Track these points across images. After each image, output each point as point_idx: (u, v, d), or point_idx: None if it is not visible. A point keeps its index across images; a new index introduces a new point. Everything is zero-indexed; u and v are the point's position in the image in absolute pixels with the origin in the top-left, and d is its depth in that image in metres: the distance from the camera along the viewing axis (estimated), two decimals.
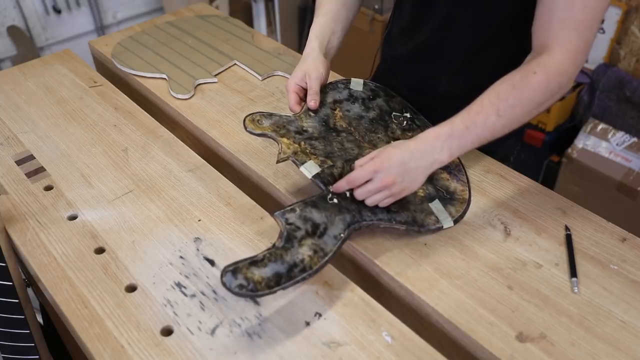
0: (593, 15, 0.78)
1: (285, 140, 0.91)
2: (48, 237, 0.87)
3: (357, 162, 0.85)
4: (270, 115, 0.95)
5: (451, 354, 0.75)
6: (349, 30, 1.07)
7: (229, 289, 0.70)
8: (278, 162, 0.89)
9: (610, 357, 0.71)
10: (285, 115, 0.96)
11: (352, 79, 1.07)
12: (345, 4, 1.04)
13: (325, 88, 1.03)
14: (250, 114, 0.94)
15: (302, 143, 0.91)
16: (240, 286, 0.70)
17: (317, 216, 0.81)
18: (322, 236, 0.79)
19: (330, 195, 0.84)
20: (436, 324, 0.78)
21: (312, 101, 0.97)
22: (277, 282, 0.72)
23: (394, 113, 1.04)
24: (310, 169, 0.87)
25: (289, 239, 0.77)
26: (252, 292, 0.71)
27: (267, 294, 0.72)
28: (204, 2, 1.66)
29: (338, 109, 1.01)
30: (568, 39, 0.79)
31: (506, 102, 0.80)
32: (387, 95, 1.07)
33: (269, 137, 0.92)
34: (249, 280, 0.71)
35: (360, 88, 1.06)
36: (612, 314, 0.76)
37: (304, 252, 0.76)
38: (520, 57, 0.88)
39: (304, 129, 0.94)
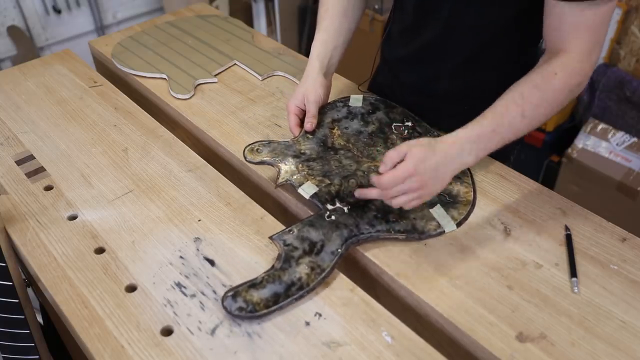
0: (603, 16, 0.79)
1: (282, 165, 0.94)
2: (48, 237, 0.87)
3: (388, 154, 0.81)
4: (269, 143, 0.98)
5: (451, 354, 0.75)
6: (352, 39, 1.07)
7: (230, 312, 0.74)
8: (276, 187, 0.92)
9: (610, 357, 0.71)
10: (284, 141, 0.99)
11: (352, 96, 1.09)
12: (347, 15, 1.04)
13: (323, 109, 1.05)
14: (249, 144, 0.98)
15: (300, 166, 0.94)
16: (240, 309, 0.74)
17: (314, 235, 0.84)
18: (319, 253, 0.81)
19: (327, 212, 0.87)
20: (436, 324, 0.78)
21: (309, 124, 1.00)
22: (275, 302, 0.76)
23: (394, 124, 1.05)
24: (307, 189, 0.90)
25: (286, 259, 0.80)
26: (251, 313, 0.74)
27: (265, 314, 0.75)
28: (204, 2, 1.66)
29: (336, 128, 1.03)
30: (583, 42, 0.80)
31: (531, 103, 0.81)
32: (387, 107, 1.08)
33: (268, 164, 0.95)
34: (248, 303, 0.75)
35: (359, 104, 1.08)
36: (612, 314, 0.76)
37: (301, 270, 0.79)
38: (520, 54, 0.88)
39: (302, 151, 0.97)
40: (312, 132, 1.01)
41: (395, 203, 0.82)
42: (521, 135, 0.83)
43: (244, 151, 0.98)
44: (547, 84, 0.81)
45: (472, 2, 0.92)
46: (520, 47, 0.93)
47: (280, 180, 0.92)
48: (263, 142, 0.99)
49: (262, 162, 0.96)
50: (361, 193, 0.86)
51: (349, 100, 1.08)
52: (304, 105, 1.00)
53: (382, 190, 0.82)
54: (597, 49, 0.81)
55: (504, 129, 0.81)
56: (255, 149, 0.98)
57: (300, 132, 1.00)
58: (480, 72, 0.98)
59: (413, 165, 0.79)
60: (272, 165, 0.95)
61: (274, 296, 0.76)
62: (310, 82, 1.00)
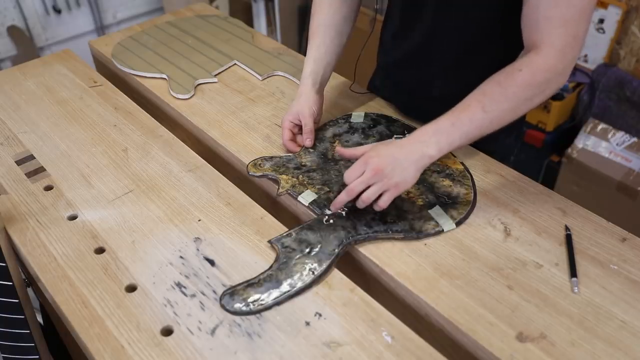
0: (580, 11, 0.79)
1: (284, 177, 0.96)
2: (48, 237, 0.87)
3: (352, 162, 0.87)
4: (271, 157, 1.01)
5: (451, 354, 0.75)
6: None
7: (227, 310, 0.75)
8: (277, 196, 0.95)
9: (610, 357, 0.71)
10: (286, 155, 1.01)
11: (353, 112, 1.12)
12: (339, 30, 1.05)
13: (325, 125, 1.09)
14: (253, 160, 1.00)
15: (300, 177, 0.96)
16: (238, 306, 0.76)
17: (312, 237, 0.85)
18: (317, 253, 0.83)
19: (326, 217, 0.88)
20: (436, 324, 0.78)
21: (308, 140, 1.02)
22: (272, 299, 0.77)
23: (395, 136, 1.06)
24: (306, 197, 0.92)
25: (284, 260, 0.82)
26: (248, 309, 0.76)
27: (262, 310, 0.76)
28: (204, 2, 1.66)
29: (337, 142, 1.05)
30: (555, 36, 0.80)
31: (491, 99, 0.81)
32: (388, 121, 1.10)
33: (270, 178, 0.98)
34: (245, 300, 0.76)
35: (360, 120, 1.10)
36: (612, 314, 0.76)
37: (298, 269, 0.80)
38: (512, 55, 0.88)
39: (303, 164, 0.99)
40: (313, 146, 1.03)
41: (365, 197, 0.84)
42: (489, 131, 0.83)
43: (247, 166, 1.00)
44: (509, 80, 0.81)
45: (454, 5, 0.93)
46: (509, 47, 0.94)
47: (280, 190, 0.94)
48: (266, 157, 1.01)
49: (264, 176, 0.98)
50: (334, 203, 0.87)
51: (350, 117, 1.11)
52: (298, 120, 1.02)
53: (347, 184, 0.84)
54: (573, 45, 0.80)
55: (464, 124, 0.82)
56: (257, 163, 1.00)
57: (300, 148, 1.03)
58: (472, 73, 0.98)
59: (367, 155, 0.84)
60: (273, 178, 0.97)
61: (271, 294, 0.77)
62: (304, 100, 1.02)
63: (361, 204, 0.85)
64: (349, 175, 0.84)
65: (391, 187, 0.83)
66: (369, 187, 0.83)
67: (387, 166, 0.82)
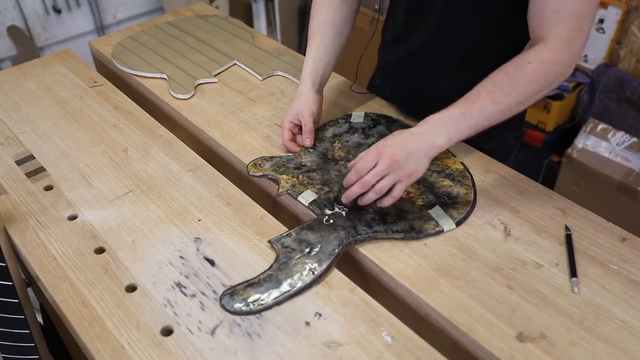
0: (587, 4, 0.80)
1: (284, 177, 0.96)
2: (48, 237, 0.87)
3: (361, 154, 0.86)
4: (271, 157, 1.01)
5: (451, 354, 0.75)
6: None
7: (227, 310, 0.75)
8: (277, 196, 0.95)
9: (610, 357, 0.71)
10: (286, 155, 1.01)
11: (353, 112, 1.12)
12: (338, 30, 1.06)
13: (325, 125, 1.09)
14: (253, 160, 1.00)
15: (300, 176, 0.96)
16: (238, 306, 0.76)
17: (312, 237, 0.85)
18: (317, 253, 0.83)
19: (326, 217, 0.88)
20: (436, 324, 0.78)
21: (308, 139, 1.02)
22: (272, 299, 0.77)
23: None
24: (306, 197, 0.92)
25: (284, 260, 0.82)
26: (248, 309, 0.76)
27: (262, 310, 0.76)
28: (204, 2, 1.66)
29: (337, 142, 1.05)
30: (562, 30, 0.81)
31: (502, 91, 0.82)
32: (388, 121, 1.10)
33: (270, 178, 0.97)
34: (245, 300, 0.76)
35: (360, 120, 1.10)
36: (612, 314, 0.76)
37: (298, 269, 0.80)
38: (516, 53, 0.89)
39: (303, 164, 0.99)
40: (313, 146, 1.03)
41: (379, 188, 0.83)
42: (497, 121, 0.84)
43: (247, 166, 1.00)
44: (520, 72, 0.82)
45: (461, 5, 0.93)
46: (514, 43, 0.94)
47: (280, 190, 0.94)
48: (265, 157, 1.01)
49: (264, 176, 0.98)
50: (346, 194, 0.87)
51: (350, 117, 1.11)
52: (298, 120, 1.02)
53: (359, 177, 0.84)
54: (579, 38, 0.81)
55: (474, 115, 0.83)
56: (257, 163, 1.00)
57: (300, 148, 1.03)
58: (476, 71, 0.98)
59: (380, 145, 0.84)
60: (273, 178, 0.97)
61: (271, 294, 0.77)
62: (304, 99, 1.02)
63: (373, 195, 0.84)
64: (361, 166, 0.83)
65: (405, 177, 0.83)
66: (382, 178, 0.83)
67: (402, 158, 0.82)
